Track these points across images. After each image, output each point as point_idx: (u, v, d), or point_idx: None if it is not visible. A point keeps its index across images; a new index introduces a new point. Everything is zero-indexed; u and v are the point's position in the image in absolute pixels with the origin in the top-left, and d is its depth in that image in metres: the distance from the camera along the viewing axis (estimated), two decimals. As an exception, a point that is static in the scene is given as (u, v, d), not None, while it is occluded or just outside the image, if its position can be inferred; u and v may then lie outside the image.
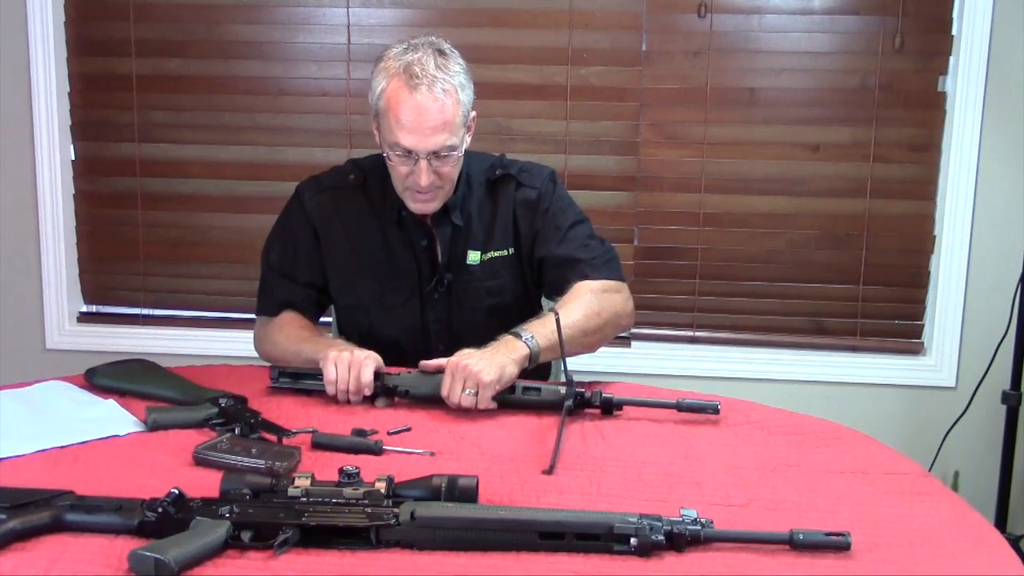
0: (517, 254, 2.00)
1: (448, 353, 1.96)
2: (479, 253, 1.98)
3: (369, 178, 1.99)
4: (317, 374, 1.74)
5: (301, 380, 1.77)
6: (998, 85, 2.64)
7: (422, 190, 1.84)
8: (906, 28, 2.66)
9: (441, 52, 1.82)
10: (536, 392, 1.67)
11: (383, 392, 1.72)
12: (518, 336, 1.74)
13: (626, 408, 1.70)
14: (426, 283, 1.98)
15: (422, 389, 1.70)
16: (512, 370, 1.69)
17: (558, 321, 1.66)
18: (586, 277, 1.91)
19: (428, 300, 1.99)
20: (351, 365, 1.70)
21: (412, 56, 1.79)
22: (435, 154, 1.80)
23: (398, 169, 1.84)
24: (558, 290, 1.94)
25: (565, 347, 1.69)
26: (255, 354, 2.05)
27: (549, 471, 1.41)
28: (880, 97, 2.69)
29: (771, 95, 2.74)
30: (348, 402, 1.72)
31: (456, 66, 1.82)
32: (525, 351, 1.72)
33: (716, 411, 1.65)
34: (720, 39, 2.72)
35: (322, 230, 1.99)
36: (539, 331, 1.76)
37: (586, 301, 1.85)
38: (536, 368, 1.93)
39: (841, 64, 2.71)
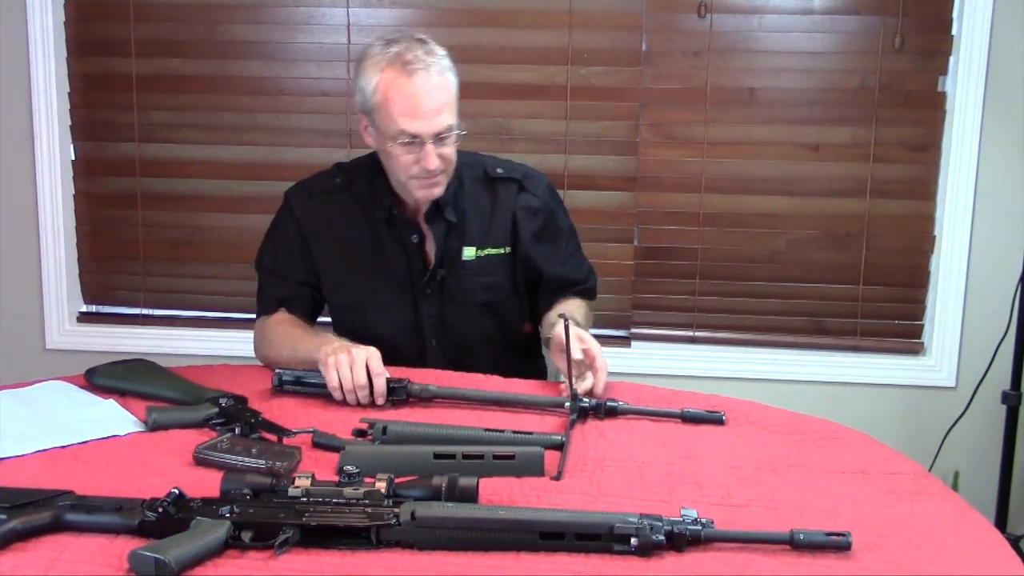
0: (513, 254, 2.01)
1: (441, 349, 1.99)
2: (475, 249, 1.99)
3: (355, 179, 2.01)
4: (320, 377, 1.73)
5: (304, 383, 1.75)
6: (998, 85, 2.64)
7: (430, 175, 1.85)
8: (906, 28, 2.66)
9: (422, 40, 1.85)
10: (510, 458, 1.44)
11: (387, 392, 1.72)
12: None
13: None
14: (418, 279, 1.99)
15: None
16: None
17: (567, 327, 1.67)
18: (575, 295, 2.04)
19: (421, 296, 2.00)
20: (352, 366, 1.69)
21: (397, 48, 1.82)
22: (438, 136, 1.82)
23: (401, 160, 1.85)
24: (547, 298, 2.03)
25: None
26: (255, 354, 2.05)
27: (557, 477, 1.41)
28: (880, 97, 2.69)
29: (771, 95, 2.74)
30: (358, 403, 1.71)
31: (440, 50, 1.85)
32: None
33: (721, 422, 1.64)
34: (720, 39, 2.72)
35: (311, 234, 2.01)
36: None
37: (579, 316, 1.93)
38: (534, 371, 1.93)
39: (841, 64, 2.71)
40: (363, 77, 1.84)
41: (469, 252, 1.99)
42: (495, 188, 2.01)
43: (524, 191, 2.02)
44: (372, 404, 1.71)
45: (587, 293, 2.09)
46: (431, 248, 1.99)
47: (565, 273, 2.05)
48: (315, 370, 1.75)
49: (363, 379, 1.68)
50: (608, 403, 1.66)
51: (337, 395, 1.70)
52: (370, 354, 1.71)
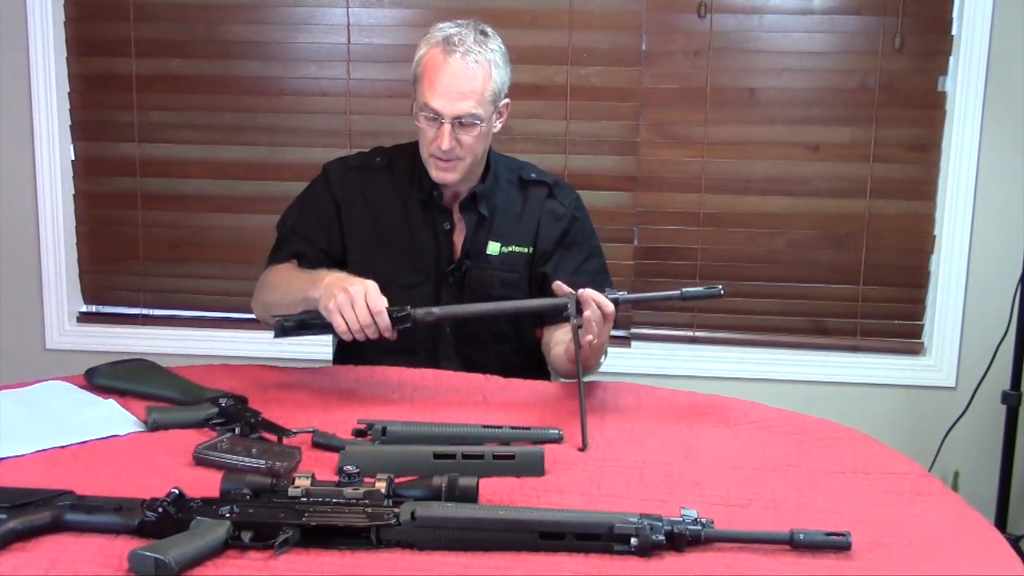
0: (533, 256, 2.04)
1: (455, 336, 2.02)
2: (499, 245, 2.03)
3: (396, 161, 2.06)
4: (321, 317, 1.73)
5: (307, 327, 1.75)
6: (998, 85, 2.64)
7: (443, 156, 1.89)
8: (906, 28, 2.66)
9: (483, 32, 1.93)
10: (510, 458, 1.43)
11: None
12: None
13: (626, 408, 1.70)
14: (443, 266, 2.02)
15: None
16: None
17: (576, 332, 1.68)
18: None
19: (443, 283, 2.02)
20: (354, 305, 1.69)
21: (454, 30, 1.90)
22: (459, 121, 1.87)
23: (426, 133, 1.91)
24: (553, 317, 1.99)
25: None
26: (255, 354, 2.05)
27: (583, 448, 1.45)
28: (880, 97, 2.69)
29: (771, 95, 2.73)
30: (367, 339, 1.72)
31: (493, 44, 1.92)
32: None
33: (720, 295, 1.69)
34: (720, 39, 2.72)
35: (346, 205, 2.04)
36: None
37: None
38: (539, 369, 1.93)
39: (841, 64, 2.71)
40: (418, 48, 1.93)
41: (494, 247, 2.03)
42: (527, 190, 2.07)
43: (552, 197, 2.07)
44: (383, 339, 1.73)
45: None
46: (459, 238, 2.03)
47: (574, 284, 2.02)
48: (313, 310, 1.75)
49: (367, 318, 1.70)
50: (608, 296, 1.69)
51: (348, 338, 1.72)
52: (367, 288, 1.72)
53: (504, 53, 1.94)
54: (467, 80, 1.86)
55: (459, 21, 1.93)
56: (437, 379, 1.82)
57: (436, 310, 1.76)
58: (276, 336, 1.77)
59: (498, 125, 1.98)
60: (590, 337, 1.67)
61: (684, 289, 1.72)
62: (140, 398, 1.71)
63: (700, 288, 1.72)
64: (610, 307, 1.69)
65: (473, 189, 2.00)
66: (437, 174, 1.94)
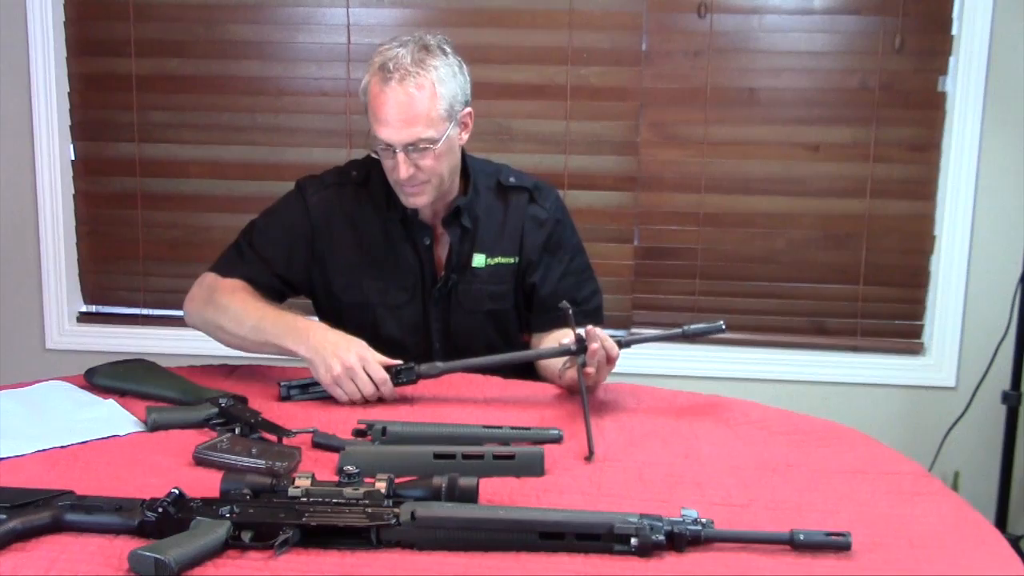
0: (519, 265, 2.00)
1: (444, 352, 1.97)
2: (484, 257, 1.98)
3: (372, 175, 1.98)
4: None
5: (311, 390, 1.76)
6: (998, 85, 2.64)
7: (405, 183, 1.84)
8: (906, 28, 2.66)
9: (425, 47, 1.81)
10: (510, 458, 1.43)
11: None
12: None
13: (626, 407, 1.70)
14: (429, 282, 1.98)
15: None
16: None
17: (570, 313, 1.68)
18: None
19: (430, 300, 1.99)
20: (355, 378, 1.71)
21: (393, 52, 1.80)
22: (412, 147, 1.80)
23: (385, 163, 1.86)
24: (542, 319, 1.99)
25: None
26: (255, 354, 2.04)
27: (589, 457, 1.45)
28: (880, 97, 2.69)
29: (771, 95, 2.74)
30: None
31: (436, 60, 1.81)
32: None
33: (722, 330, 1.71)
34: (720, 39, 2.72)
35: (325, 227, 1.98)
36: None
37: None
38: (530, 376, 1.93)
39: (841, 64, 2.71)
40: (365, 75, 1.84)
41: (479, 260, 1.97)
42: (507, 197, 2.01)
43: (534, 202, 2.01)
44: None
45: (588, 316, 1.98)
46: (441, 251, 1.98)
47: (562, 287, 2.00)
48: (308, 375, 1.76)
49: (370, 388, 1.71)
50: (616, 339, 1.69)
51: (351, 405, 1.72)
52: (365, 359, 1.72)
53: (451, 64, 1.82)
54: (409, 107, 1.77)
55: (403, 38, 1.83)
56: (437, 379, 1.81)
57: (441, 365, 1.76)
58: (281, 400, 1.76)
59: (464, 136, 1.91)
60: (591, 370, 1.66)
61: (686, 327, 1.73)
62: (140, 398, 1.71)
63: (702, 325, 1.73)
64: (616, 351, 1.69)
65: (456, 203, 1.95)
66: (405, 201, 1.89)
